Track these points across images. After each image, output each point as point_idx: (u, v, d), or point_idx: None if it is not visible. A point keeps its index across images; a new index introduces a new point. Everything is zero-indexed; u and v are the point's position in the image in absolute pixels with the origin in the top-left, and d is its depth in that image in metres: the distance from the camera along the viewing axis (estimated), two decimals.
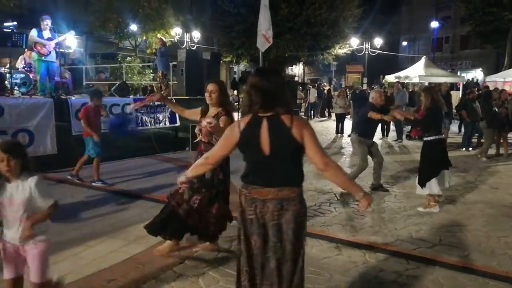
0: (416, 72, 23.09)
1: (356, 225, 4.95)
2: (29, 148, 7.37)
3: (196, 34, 26.20)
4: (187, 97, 11.17)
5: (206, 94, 3.90)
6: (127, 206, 5.58)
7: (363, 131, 6.57)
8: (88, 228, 4.71)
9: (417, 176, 5.70)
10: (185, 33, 25.44)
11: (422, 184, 5.54)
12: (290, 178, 2.42)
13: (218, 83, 3.97)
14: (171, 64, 12.94)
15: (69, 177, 6.78)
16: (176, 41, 23.76)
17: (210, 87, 3.89)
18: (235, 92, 28.04)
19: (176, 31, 23.39)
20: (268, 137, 2.34)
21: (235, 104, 23.58)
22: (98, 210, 5.44)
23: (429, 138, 5.58)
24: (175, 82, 12.77)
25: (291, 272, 2.41)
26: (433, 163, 5.53)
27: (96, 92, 6.98)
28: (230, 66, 32.29)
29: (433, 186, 5.48)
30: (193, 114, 4.15)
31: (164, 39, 14.34)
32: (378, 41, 29.64)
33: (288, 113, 2.36)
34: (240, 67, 33.77)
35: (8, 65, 10.02)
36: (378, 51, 29.55)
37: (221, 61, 17.51)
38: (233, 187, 6.65)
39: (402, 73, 23.96)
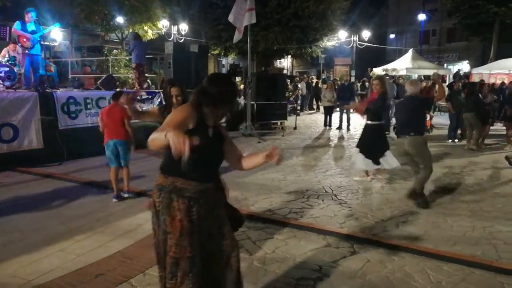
0: (403, 65, 23.24)
1: (344, 217, 4.98)
2: (13, 142, 7.27)
3: (184, 27, 25.95)
4: None
5: (172, 99, 3.91)
6: (114, 201, 5.54)
7: (422, 129, 5.77)
8: (75, 223, 4.67)
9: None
10: (172, 26, 25.18)
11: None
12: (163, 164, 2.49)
13: (180, 86, 4.00)
14: (158, 57, 12.83)
15: (125, 195, 5.71)
16: (163, 33, 23.51)
17: (175, 91, 3.92)
18: None
19: (163, 24, 23.14)
20: None
21: None
22: (85, 205, 5.39)
23: (374, 123, 6.37)
24: (163, 75, 12.67)
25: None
26: (370, 144, 6.40)
27: (116, 94, 5.85)
28: (218, 59, 32.09)
29: (367, 163, 6.43)
30: (153, 114, 4.20)
31: (138, 34, 13.96)
32: (366, 34, 29.69)
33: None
34: (228, 60, 33.58)
35: None
36: (366, 43, 29.61)
37: (209, 54, 17.38)
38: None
39: (389, 66, 24.11)
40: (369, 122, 6.48)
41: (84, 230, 4.39)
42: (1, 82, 9.35)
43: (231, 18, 11.49)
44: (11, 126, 7.23)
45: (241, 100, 14.92)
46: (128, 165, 5.68)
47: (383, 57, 33.64)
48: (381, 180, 6.71)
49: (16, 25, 8.83)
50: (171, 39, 23.35)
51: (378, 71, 23.39)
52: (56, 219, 4.83)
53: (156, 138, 2.05)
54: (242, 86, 22.83)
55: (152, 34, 21.76)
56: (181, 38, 25.04)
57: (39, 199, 5.60)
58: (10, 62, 10.25)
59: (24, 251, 3.88)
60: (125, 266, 3.59)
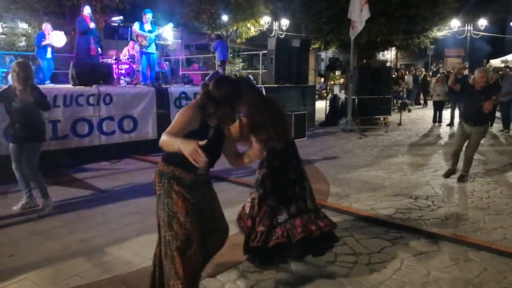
0: None
1: (457, 221, 4.64)
2: (133, 133, 8.02)
3: (285, 22, 26.17)
4: (276, 85, 11.27)
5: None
6: (218, 190, 5.80)
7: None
8: None
9: None
10: (274, 21, 25.54)
11: None
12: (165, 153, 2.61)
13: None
14: (261, 53, 13.16)
15: None
16: (264, 29, 23.96)
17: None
18: (322, 79, 27.62)
19: (265, 20, 23.60)
20: None
21: (323, 91, 23.30)
22: None
23: None
24: (265, 70, 12.94)
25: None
26: None
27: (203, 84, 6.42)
28: (318, 53, 31.79)
29: None
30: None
31: (220, 34, 14.57)
32: (482, 22, 27.08)
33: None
34: (327, 54, 33.10)
35: (114, 57, 10.93)
36: (481, 33, 27.03)
37: (310, 48, 17.29)
38: (321, 175, 6.64)
39: (509, 57, 21.71)
40: None
41: None
42: (123, 78, 10.39)
43: (351, 15, 11.46)
44: (131, 118, 7.98)
45: (342, 95, 14.64)
46: None
47: (502, 48, 30.30)
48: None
49: (135, 26, 9.69)
50: (272, 34, 23.72)
51: (495, 63, 21.19)
52: None
53: (168, 144, 2.31)
54: (342, 80, 22.43)
55: (254, 31, 22.30)
56: (282, 34, 25.28)
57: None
58: (129, 60, 11.34)
59: (143, 232, 4.27)
60: (233, 253, 3.75)
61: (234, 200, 5.38)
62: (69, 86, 7.92)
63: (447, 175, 6.41)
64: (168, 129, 2.45)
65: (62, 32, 10.51)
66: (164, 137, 2.36)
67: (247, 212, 3.47)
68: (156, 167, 2.68)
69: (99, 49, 10.29)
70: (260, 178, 3.40)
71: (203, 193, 2.74)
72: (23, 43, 15.58)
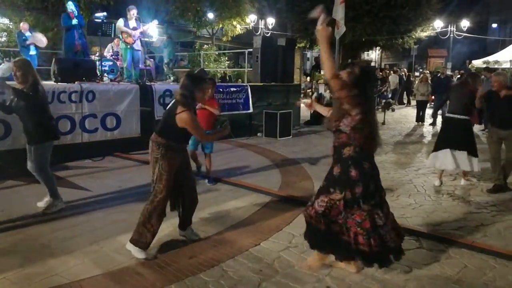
0: (507, 57, 21.12)
1: (439, 218, 4.70)
2: (115, 130, 7.92)
3: (271, 21, 26.21)
4: (261, 84, 11.27)
5: None
6: (204, 189, 5.79)
7: None
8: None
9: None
10: (260, 20, 25.56)
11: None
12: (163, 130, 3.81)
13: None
14: (246, 51, 13.13)
15: (209, 183, 6.13)
16: (250, 28, 23.96)
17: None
18: (308, 78, 27.75)
19: (251, 18, 23.58)
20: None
21: (308, 90, 23.38)
22: None
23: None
24: (250, 68, 12.93)
25: None
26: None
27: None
28: (304, 52, 31.91)
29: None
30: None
31: (170, 34, 14.65)
32: (465, 23, 27.56)
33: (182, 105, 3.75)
34: (313, 53, 33.29)
35: (98, 53, 10.78)
36: (464, 34, 27.50)
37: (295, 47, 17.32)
38: (306, 173, 6.65)
39: (491, 58, 22.11)
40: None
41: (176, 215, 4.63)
42: (106, 75, 10.24)
43: (334, 15, 11.41)
44: (114, 115, 7.87)
45: (327, 94, 14.70)
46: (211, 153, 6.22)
47: (484, 49, 30.91)
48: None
49: (120, 22, 9.56)
50: (258, 33, 23.73)
51: (477, 63, 21.57)
52: None
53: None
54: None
55: (240, 29, 22.27)
56: (268, 32, 25.31)
57: (139, 184, 6.03)
58: (113, 56, 11.20)
59: (126, 231, 4.19)
60: (216, 251, 3.75)
61: (219, 199, 5.38)
62: (51, 82, 7.77)
63: (495, 190, 5.72)
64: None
65: (41, 34, 10.50)
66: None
67: (320, 212, 3.18)
68: (153, 139, 3.73)
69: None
70: (345, 179, 3.18)
71: (182, 156, 3.82)
72: (3, 38, 15.31)
